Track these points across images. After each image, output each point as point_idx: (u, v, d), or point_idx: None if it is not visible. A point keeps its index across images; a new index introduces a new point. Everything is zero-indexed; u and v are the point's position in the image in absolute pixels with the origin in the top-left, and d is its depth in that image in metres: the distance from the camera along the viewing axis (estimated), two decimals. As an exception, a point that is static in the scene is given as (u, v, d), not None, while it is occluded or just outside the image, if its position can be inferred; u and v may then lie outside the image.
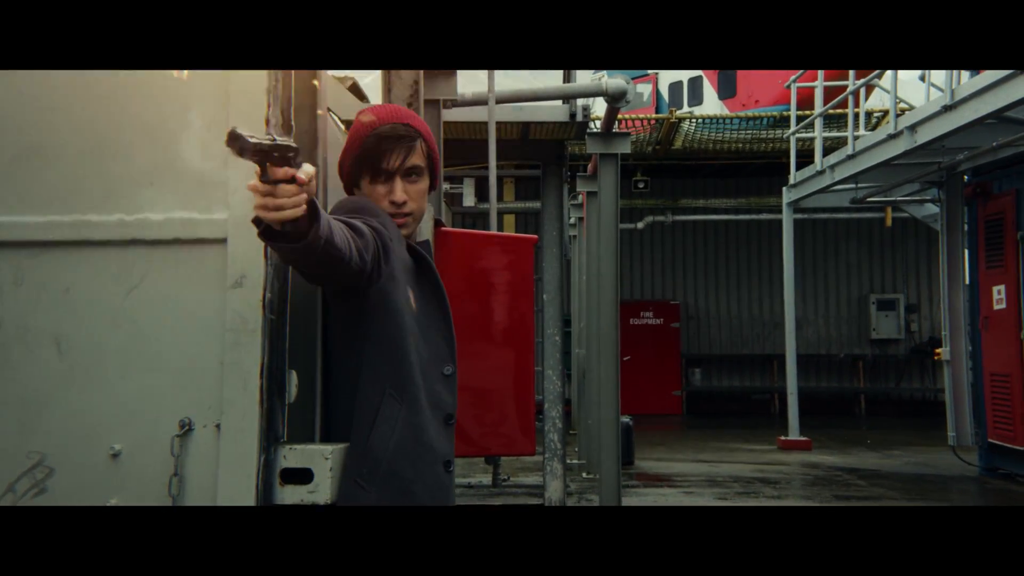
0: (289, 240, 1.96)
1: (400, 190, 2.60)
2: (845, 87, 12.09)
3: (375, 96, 6.33)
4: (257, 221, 1.95)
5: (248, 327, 2.31)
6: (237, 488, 2.23)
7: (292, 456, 2.30)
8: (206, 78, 2.39)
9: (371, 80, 7.28)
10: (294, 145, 1.89)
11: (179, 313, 2.34)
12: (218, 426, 2.28)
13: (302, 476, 2.29)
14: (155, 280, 2.35)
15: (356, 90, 7.08)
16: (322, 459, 2.30)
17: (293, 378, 2.39)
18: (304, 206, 1.92)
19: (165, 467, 2.28)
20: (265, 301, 2.33)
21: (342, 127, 5.74)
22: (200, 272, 2.34)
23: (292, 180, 1.88)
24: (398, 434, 2.38)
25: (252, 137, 1.82)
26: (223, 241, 2.33)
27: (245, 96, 2.36)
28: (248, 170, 1.92)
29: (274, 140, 1.86)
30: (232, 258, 2.33)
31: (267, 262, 2.34)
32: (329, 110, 4.26)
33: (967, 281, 11.58)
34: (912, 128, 9.56)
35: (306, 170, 1.90)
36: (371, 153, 2.60)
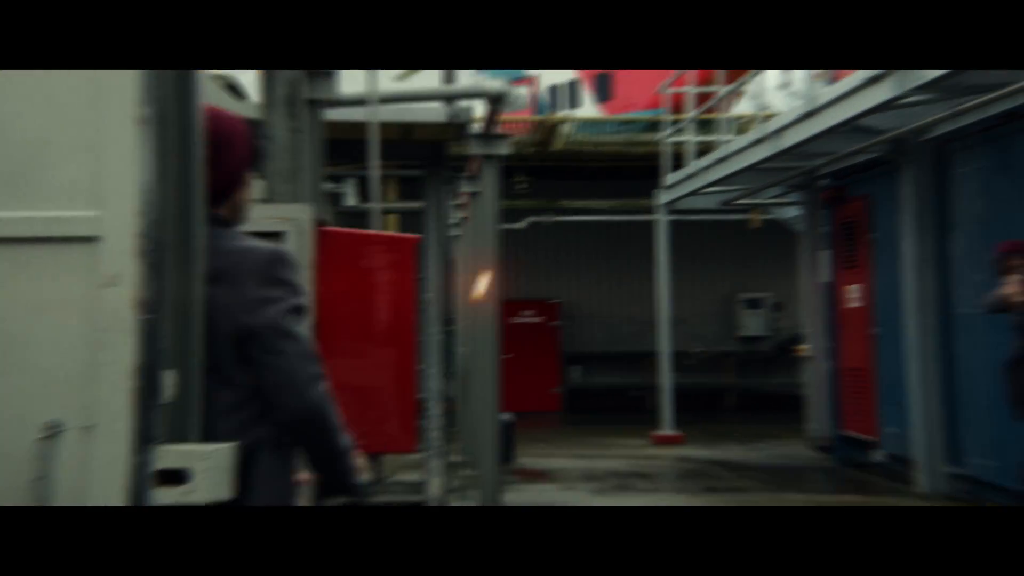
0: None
1: None
2: (716, 92, 12.39)
3: (254, 93, 6.23)
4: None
5: (121, 327, 2.23)
6: (108, 490, 2.15)
7: (167, 457, 2.23)
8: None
9: (249, 80, 7.14)
10: None
11: (49, 314, 2.25)
12: (89, 428, 2.19)
13: (178, 477, 2.23)
14: (22, 280, 2.25)
15: (233, 88, 6.94)
16: (200, 459, 2.24)
17: (170, 378, 2.32)
18: None
19: (33, 470, 2.18)
20: (141, 300, 2.25)
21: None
22: (71, 271, 2.25)
23: None
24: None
25: None
26: (96, 239, 2.25)
27: (116, 97, 2.27)
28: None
29: None
30: (105, 256, 2.25)
31: (142, 260, 2.27)
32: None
33: (826, 280, 11.98)
34: (776, 133, 9.87)
35: None
36: None
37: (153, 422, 2.24)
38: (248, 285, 2.67)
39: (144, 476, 2.19)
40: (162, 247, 2.36)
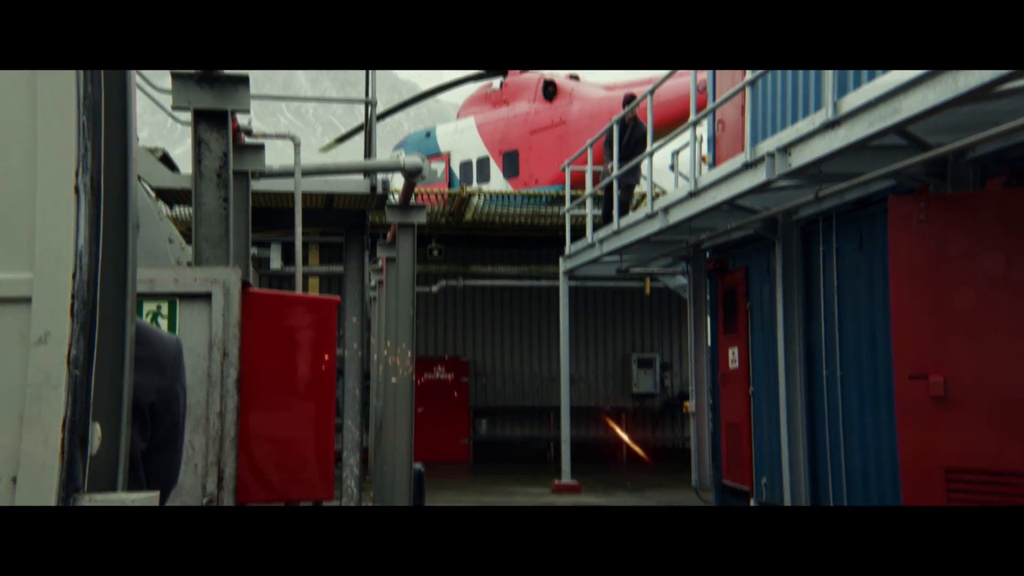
0: None
1: None
2: (611, 171, 12.65)
3: (186, 166, 6.18)
4: None
5: (51, 382, 2.19)
6: (33, 537, 2.09)
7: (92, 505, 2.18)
8: (10, 126, 2.26)
9: (182, 152, 7.09)
10: None
11: (-20, 369, 2.20)
12: (14, 479, 2.14)
13: (101, 524, 2.18)
14: (-45, 337, 2.20)
15: (166, 160, 6.88)
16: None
17: (96, 430, 2.28)
18: None
19: (-40, 518, 2.11)
20: (70, 357, 2.22)
21: (152, 195, 5.59)
22: (2, 330, 2.21)
23: None
24: None
25: None
26: (27, 300, 2.21)
27: (52, 156, 2.25)
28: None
29: None
30: (36, 316, 2.21)
31: (73, 320, 2.24)
32: (140, 178, 4.13)
33: (709, 343, 12.23)
34: (665, 210, 10.12)
35: None
36: None
37: (79, 473, 2.20)
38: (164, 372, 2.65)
39: (67, 523, 2.14)
40: (92, 306, 2.34)
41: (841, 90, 6.26)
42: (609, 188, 12.63)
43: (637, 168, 12.32)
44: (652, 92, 10.50)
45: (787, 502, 9.53)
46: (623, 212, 12.23)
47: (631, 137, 12.75)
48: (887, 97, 5.61)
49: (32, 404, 2.16)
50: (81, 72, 2.22)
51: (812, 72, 8.71)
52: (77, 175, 2.28)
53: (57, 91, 2.22)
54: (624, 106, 12.87)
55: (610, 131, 12.66)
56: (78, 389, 2.22)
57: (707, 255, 12.15)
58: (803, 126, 6.89)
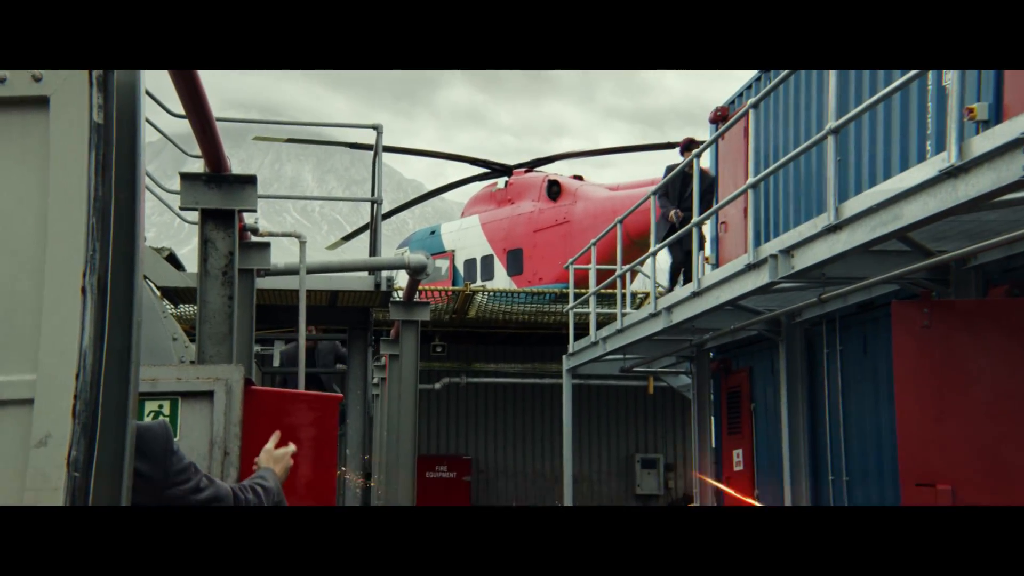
0: None
1: None
2: (615, 270, 12.73)
3: (191, 265, 6.25)
4: None
5: (50, 485, 2.17)
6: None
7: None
8: (21, 238, 2.29)
9: (188, 251, 7.16)
10: None
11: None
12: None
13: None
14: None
15: (172, 259, 6.95)
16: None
17: (92, 534, 2.25)
18: None
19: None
20: (70, 459, 2.20)
21: (158, 293, 5.62)
22: (3, 432, 2.19)
23: None
24: None
25: None
26: (30, 402, 2.21)
27: (61, 256, 2.27)
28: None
29: None
30: (37, 417, 2.20)
31: (75, 421, 2.23)
32: (145, 277, 4.17)
33: (713, 444, 12.11)
34: (668, 309, 10.14)
35: None
36: None
37: None
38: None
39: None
40: (95, 407, 2.33)
41: (842, 195, 6.35)
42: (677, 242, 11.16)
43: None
44: (656, 193, 10.64)
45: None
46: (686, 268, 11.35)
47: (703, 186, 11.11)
48: (888, 203, 5.68)
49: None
50: (92, 173, 2.26)
51: (814, 176, 8.84)
52: (84, 276, 2.30)
53: (68, 192, 2.26)
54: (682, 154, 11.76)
55: (670, 179, 11.46)
56: (76, 491, 2.20)
57: (711, 355, 12.13)
58: (805, 229, 6.96)
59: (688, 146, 11.84)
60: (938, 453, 6.11)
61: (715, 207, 9.59)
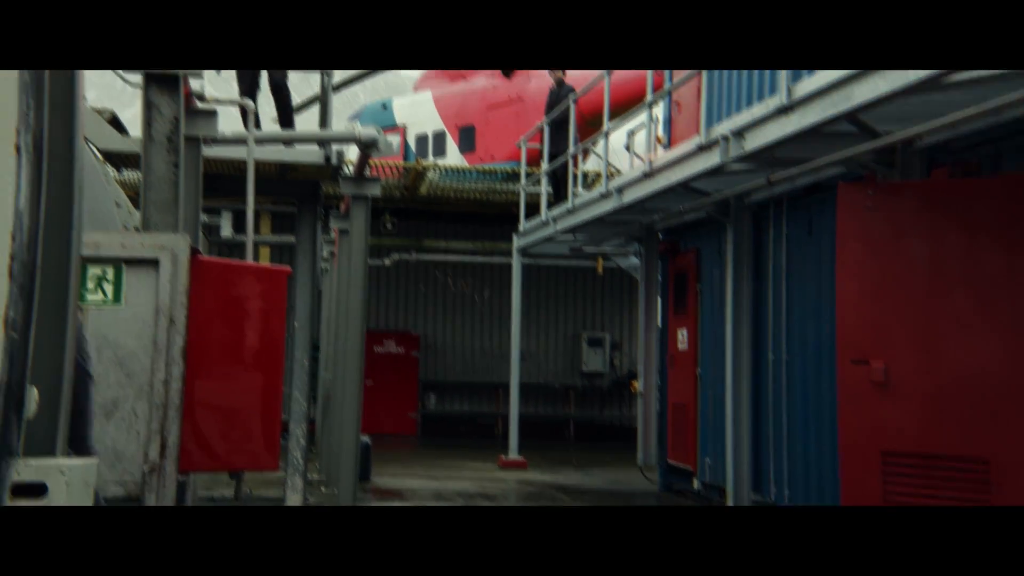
0: None
1: None
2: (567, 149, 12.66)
3: (135, 129, 6.06)
4: None
5: (-13, 344, 2.14)
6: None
7: (26, 470, 2.14)
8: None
9: (132, 114, 6.94)
10: None
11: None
12: (-51, 440, 2.09)
13: (36, 491, 2.14)
14: None
15: (116, 122, 6.73)
16: (58, 473, 2.15)
17: (33, 394, 2.23)
18: None
19: None
20: (7, 319, 2.16)
21: (99, 157, 5.46)
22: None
23: None
24: None
25: None
26: (-35, 260, 2.15)
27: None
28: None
29: None
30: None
31: (11, 281, 2.18)
32: (86, 139, 4.04)
33: (659, 324, 12.32)
34: (619, 190, 10.15)
35: None
36: None
37: (14, 437, 2.15)
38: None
39: (2, 489, 2.10)
40: (32, 268, 2.28)
41: (795, 76, 6.32)
42: (551, 162, 12.83)
43: (562, 137, 12.61)
44: (609, 72, 10.50)
45: (729, 482, 9.67)
46: (556, 184, 12.51)
47: (555, 98, 13.18)
48: (839, 84, 5.67)
49: (-32, 366, 2.11)
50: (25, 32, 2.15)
51: (768, 58, 8.77)
52: (19, 134, 2.22)
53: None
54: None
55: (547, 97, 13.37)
56: (15, 352, 2.17)
57: (660, 236, 12.22)
58: (757, 111, 6.94)
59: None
60: (874, 332, 6.29)
61: (660, 92, 9.54)
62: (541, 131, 13.65)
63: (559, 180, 13.13)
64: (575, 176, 12.42)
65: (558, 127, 12.84)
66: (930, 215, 6.09)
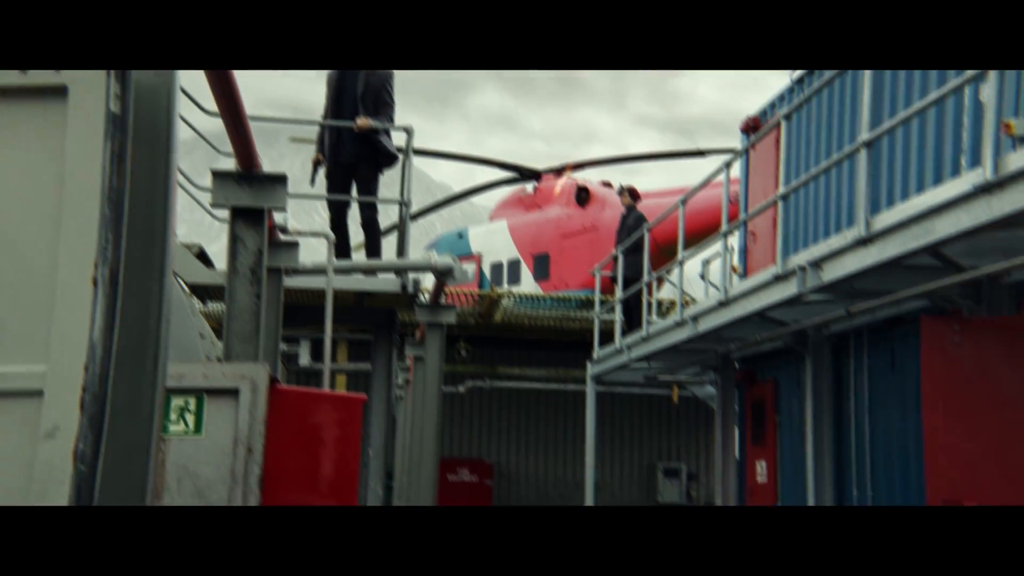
0: None
1: None
2: (641, 277, 12.62)
3: (220, 262, 6.22)
4: None
5: (56, 477, 2.12)
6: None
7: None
8: (35, 225, 2.24)
9: (218, 248, 7.15)
10: None
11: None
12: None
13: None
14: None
15: (202, 256, 6.94)
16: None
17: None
18: None
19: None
20: (76, 452, 2.15)
21: (187, 290, 5.61)
22: (11, 424, 2.15)
23: None
24: None
25: None
26: (40, 393, 2.16)
27: (73, 256, 2.22)
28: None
29: None
30: (46, 409, 2.16)
31: (81, 413, 2.18)
32: (175, 274, 4.13)
33: (737, 455, 11.95)
34: (695, 318, 10.02)
35: None
36: None
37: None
38: None
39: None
40: (103, 400, 2.28)
41: (874, 208, 6.22)
42: (626, 289, 12.69)
43: (638, 261, 12.36)
44: (684, 201, 10.54)
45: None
46: (630, 314, 12.36)
47: (623, 225, 13.21)
48: (920, 218, 5.55)
49: (36, 501, 2.09)
50: (107, 163, 2.21)
51: (845, 188, 8.70)
52: (96, 267, 2.25)
53: (82, 181, 2.21)
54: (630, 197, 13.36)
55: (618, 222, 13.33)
56: (82, 485, 2.14)
57: (736, 366, 11.99)
58: (835, 241, 6.82)
59: (619, 192, 13.57)
60: (965, 471, 5.96)
61: (736, 222, 9.49)
62: (615, 259, 13.69)
63: (632, 308, 13.05)
64: (649, 304, 12.34)
65: (631, 253, 12.83)
66: (1020, 352, 5.83)
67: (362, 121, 8.50)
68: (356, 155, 8.69)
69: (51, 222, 2.22)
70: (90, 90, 2.19)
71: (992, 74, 4.82)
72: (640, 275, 12.30)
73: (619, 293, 13.06)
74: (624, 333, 12.97)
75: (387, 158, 8.87)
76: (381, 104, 8.74)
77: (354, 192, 8.91)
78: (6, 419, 2.16)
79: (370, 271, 8.51)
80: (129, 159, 2.25)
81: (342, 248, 8.55)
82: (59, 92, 2.20)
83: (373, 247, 8.90)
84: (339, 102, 8.79)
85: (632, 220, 12.94)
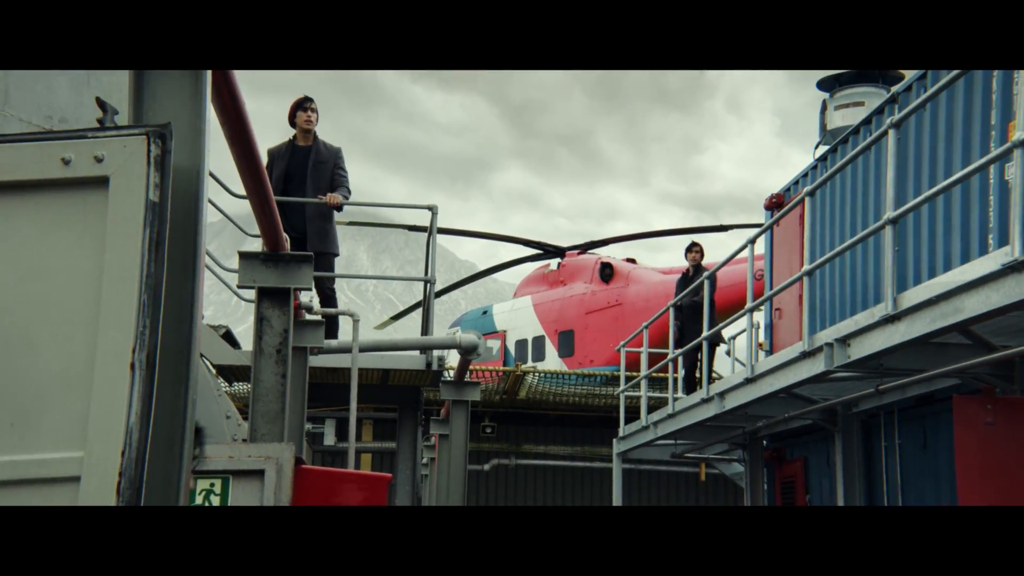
0: None
1: None
2: (666, 354, 12.58)
3: (247, 342, 6.29)
4: None
5: (90, 565, 2.13)
6: None
7: None
8: (76, 312, 2.29)
9: (244, 328, 7.23)
10: None
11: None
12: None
13: None
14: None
15: (228, 337, 7.01)
16: None
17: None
18: None
19: None
20: (110, 539, 2.16)
21: (213, 371, 5.66)
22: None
23: None
24: None
25: None
26: (76, 480, 2.18)
27: (111, 342, 2.27)
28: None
29: None
30: (83, 495, 2.18)
31: (119, 498, 2.19)
32: (202, 355, 4.17)
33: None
34: (721, 395, 9.94)
35: None
36: None
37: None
38: None
39: None
40: (139, 485, 2.29)
41: (901, 285, 6.21)
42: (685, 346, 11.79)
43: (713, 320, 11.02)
44: (711, 276, 10.55)
45: None
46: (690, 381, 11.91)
47: (685, 280, 12.35)
48: (948, 296, 5.53)
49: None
50: (146, 251, 2.26)
51: (871, 265, 8.69)
52: (134, 352, 2.29)
53: (121, 269, 2.26)
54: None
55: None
56: (117, 573, 2.15)
57: (764, 443, 11.84)
58: (862, 318, 6.80)
59: (689, 249, 12.49)
60: (1004, 556, 5.82)
61: (765, 296, 9.42)
62: (641, 335, 13.66)
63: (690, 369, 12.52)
64: (674, 380, 12.26)
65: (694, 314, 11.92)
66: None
67: (332, 198, 8.30)
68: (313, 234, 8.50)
69: (90, 308, 2.27)
70: (130, 179, 2.26)
71: (1017, 153, 4.86)
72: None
73: (644, 370, 12.98)
74: (651, 409, 12.87)
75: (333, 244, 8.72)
76: (339, 178, 8.57)
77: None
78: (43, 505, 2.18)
79: (395, 349, 8.54)
80: (166, 245, 2.31)
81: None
82: (100, 183, 2.27)
83: (330, 327, 8.61)
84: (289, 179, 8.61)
85: (695, 278, 11.98)
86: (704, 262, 12.58)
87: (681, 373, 12.44)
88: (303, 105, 8.62)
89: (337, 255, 8.81)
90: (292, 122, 8.66)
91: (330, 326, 8.40)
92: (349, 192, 8.65)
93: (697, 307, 11.35)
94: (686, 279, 12.39)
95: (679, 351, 11.95)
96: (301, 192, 8.52)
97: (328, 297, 8.53)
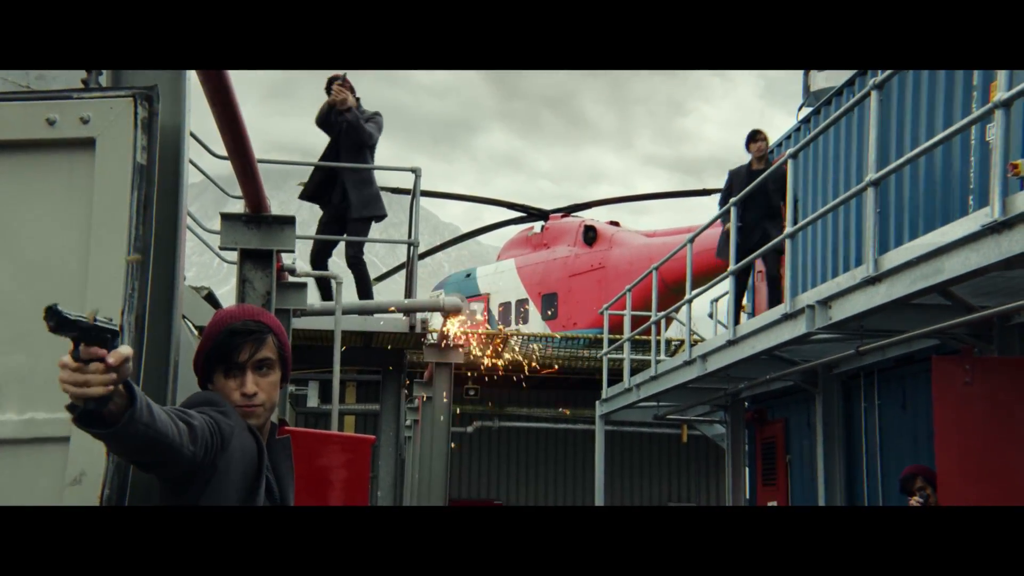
0: (104, 425, 1.80)
1: (251, 382, 2.40)
2: (649, 316, 12.66)
3: (230, 303, 6.27)
4: (72, 407, 1.78)
5: (81, 523, 2.16)
6: None
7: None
8: (62, 274, 2.31)
9: (227, 290, 7.23)
10: (112, 327, 1.76)
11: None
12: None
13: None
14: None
15: (211, 299, 7.00)
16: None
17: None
18: (111, 386, 1.76)
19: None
20: (103, 497, 2.20)
21: (195, 332, 5.64)
22: (38, 470, 2.20)
23: (102, 360, 1.75)
24: None
25: (71, 314, 1.69)
26: (66, 439, 2.21)
27: (100, 304, 2.29)
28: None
29: (95, 320, 1.73)
30: (72, 455, 2.21)
31: (109, 459, 2.22)
32: (184, 317, 4.19)
33: (747, 495, 11.91)
34: (703, 357, 10.04)
35: (119, 352, 1.76)
36: (222, 348, 2.39)
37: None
38: None
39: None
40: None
41: (882, 247, 6.28)
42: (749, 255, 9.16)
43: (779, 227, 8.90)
44: (692, 240, 10.60)
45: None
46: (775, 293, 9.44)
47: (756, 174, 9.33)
48: (929, 257, 5.60)
49: (60, 546, 2.13)
50: (134, 213, 2.28)
51: (853, 227, 8.76)
52: (123, 314, 2.32)
53: (109, 231, 2.28)
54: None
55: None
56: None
57: (746, 405, 11.97)
58: (843, 280, 6.88)
59: (753, 137, 9.82)
60: (980, 513, 5.95)
61: (748, 257, 9.07)
62: (624, 297, 13.73)
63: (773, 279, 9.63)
64: (657, 343, 12.35)
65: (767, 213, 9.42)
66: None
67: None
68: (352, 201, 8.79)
69: (79, 270, 2.28)
70: (117, 141, 2.26)
71: (999, 114, 4.90)
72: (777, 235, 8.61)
73: (627, 331, 13.06)
74: (634, 371, 12.98)
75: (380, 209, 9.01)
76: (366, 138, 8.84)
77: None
78: (33, 465, 2.21)
79: (377, 312, 8.56)
80: (154, 207, 2.32)
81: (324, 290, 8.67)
82: (86, 144, 2.27)
83: (363, 286, 8.97)
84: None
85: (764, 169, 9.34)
86: (687, 224, 12.63)
87: (731, 289, 10.05)
88: (334, 81, 8.93)
89: (382, 216, 9.08)
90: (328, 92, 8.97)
91: (326, 288, 8.59)
92: (372, 127, 8.85)
93: (768, 203, 9.25)
94: (750, 172, 9.69)
95: (661, 313, 12.06)
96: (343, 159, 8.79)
97: (356, 260, 8.86)
